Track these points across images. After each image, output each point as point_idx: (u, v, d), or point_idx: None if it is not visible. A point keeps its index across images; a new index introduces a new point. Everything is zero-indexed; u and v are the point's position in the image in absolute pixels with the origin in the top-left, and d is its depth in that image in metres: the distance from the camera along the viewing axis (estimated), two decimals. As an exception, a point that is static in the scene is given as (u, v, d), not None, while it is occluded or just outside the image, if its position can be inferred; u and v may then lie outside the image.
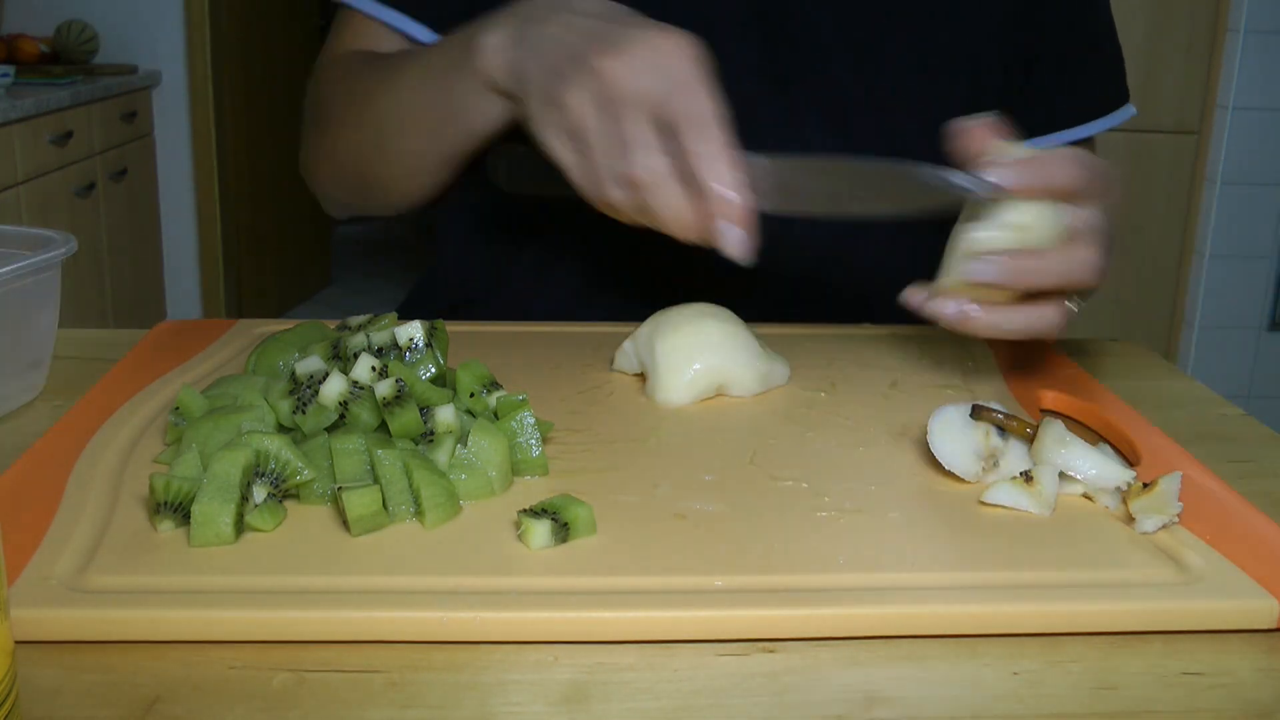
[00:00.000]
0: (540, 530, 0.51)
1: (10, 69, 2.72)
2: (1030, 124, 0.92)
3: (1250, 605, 0.48)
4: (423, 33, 0.86)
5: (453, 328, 0.80)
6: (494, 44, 0.70)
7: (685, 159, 0.62)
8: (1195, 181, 3.00)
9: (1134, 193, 3.01)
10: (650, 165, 0.62)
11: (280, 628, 0.45)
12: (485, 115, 0.73)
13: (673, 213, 0.63)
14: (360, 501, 0.51)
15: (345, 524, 0.52)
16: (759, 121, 0.86)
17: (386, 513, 0.53)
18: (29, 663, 0.44)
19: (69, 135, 2.75)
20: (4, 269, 0.66)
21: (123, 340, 0.82)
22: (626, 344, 0.74)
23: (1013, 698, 0.44)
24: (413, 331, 0.63)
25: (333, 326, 0.71)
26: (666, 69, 0.62)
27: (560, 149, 0.66)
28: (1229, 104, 2.89)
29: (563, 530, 0.51)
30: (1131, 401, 0.72)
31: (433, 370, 0.62)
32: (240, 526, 0.51)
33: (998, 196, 0.64)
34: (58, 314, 0.73)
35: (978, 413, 0.60)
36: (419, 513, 0.53)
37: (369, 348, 0.62)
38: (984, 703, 0.43)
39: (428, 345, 0.63)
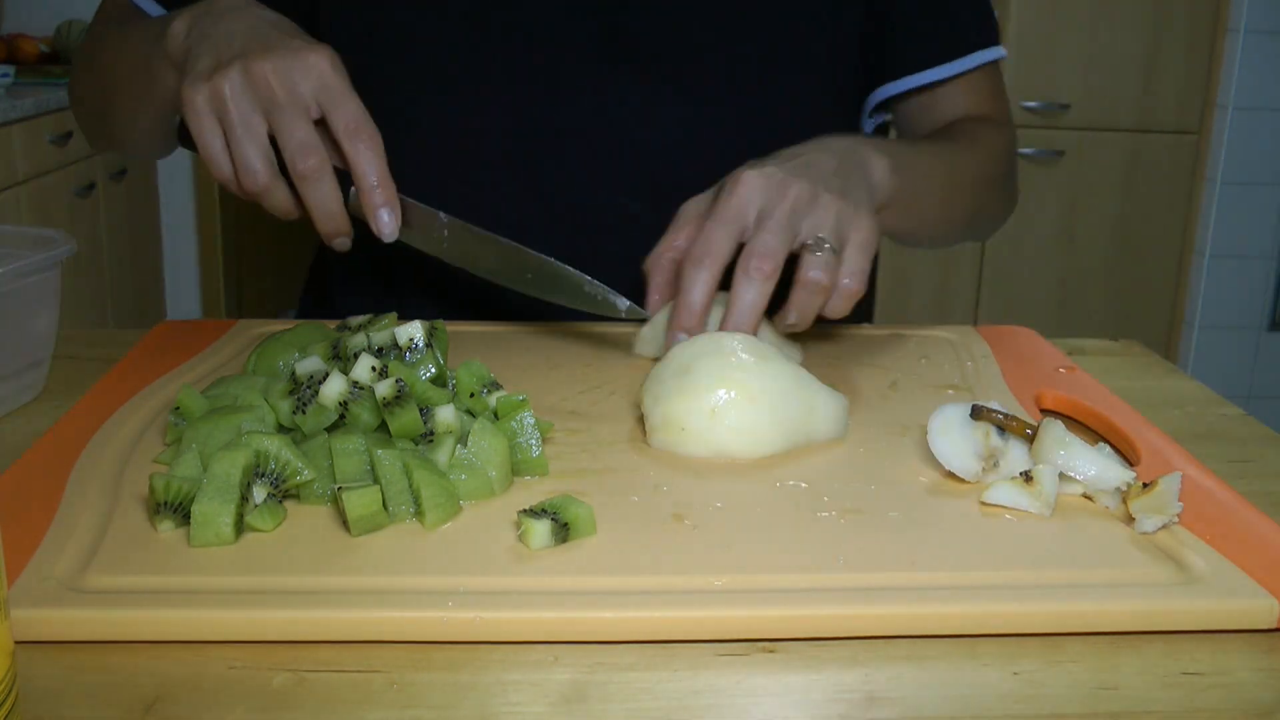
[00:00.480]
0: (540, 530, 0.51)
1: (10, 69, 2.72)
2: (886, 66, 0.96)
3: (1250, 605, 0.48)
4: (150, 7, 0.92)
5: (453, 328, 0.80)
6: (176, 29, 0.77)
7: (343, 157, 0.72)
8: (1195, 181, 3.00)
9: (1134, 193, 3.02)
10: (311, 163, 0.71)
11: (280, 628, 0.45)
12: (170, 89, 0.79)
13: (324, 204, 0.72)
14: (360, 501, 0.51)
15: (345, 524, 0.52)
16: (610, 104, 0.87)
17: (386, 513, 0.53)
18: (29, 663, 0.44)
19: (69, 135, 2.74)
20: (4, 269, 0.66)
21: (123, 340, 0.82)
22: (645, 329, 0.75)
23: (1013, 698, 0.44)
24: (413, 331, 0.63)
25: (333, 326, 0.71)
26: (316, 76, 0.72)
27: (205, 132, 0.72)
28: (1229, 104, 2.89)
29: (563, 530, 0.51)
30: (1131, 401, 0.72)
31: (433, 370, 0.62)
32: (240, 526, 0.51)
33: (634, 315, 0.75)
34: (58, 314, 0.73)
35: (978, 413, 0.60)
36: (419, 513, 0.53)
37: (369, 348, 0.62)
38: (984, 703, 0.43)
39: (428, 345, 0.63)
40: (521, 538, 0.52)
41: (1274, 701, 0.44)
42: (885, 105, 0.99)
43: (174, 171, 3.43)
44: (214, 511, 0.50)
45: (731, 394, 0.61)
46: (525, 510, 0.52)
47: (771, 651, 0.46)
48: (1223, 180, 2.93)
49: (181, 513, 0.52)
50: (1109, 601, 0.48)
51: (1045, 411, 0.72)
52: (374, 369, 0.58)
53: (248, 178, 0.72)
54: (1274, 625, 0.48)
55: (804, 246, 0.71)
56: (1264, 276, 2.98)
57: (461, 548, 0.51)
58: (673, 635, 0.46)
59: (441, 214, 0.76)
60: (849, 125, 0.99)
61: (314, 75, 0.72)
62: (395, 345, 0.62)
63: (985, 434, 0.59)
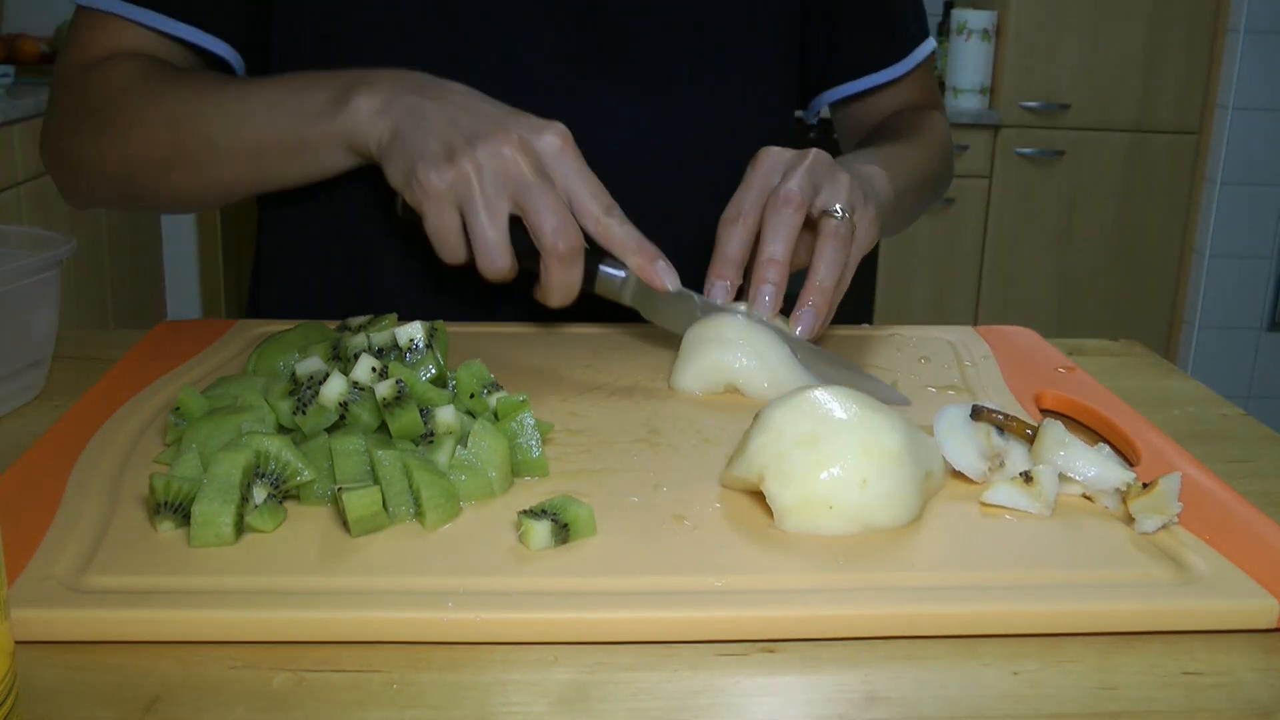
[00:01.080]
0: (540, 531, 0.51)
1: (10, 69, 2.72)
2: (835, 70, 1.02)
3: (1250, 605, 0.48)
4: (210, 42, 0.85)
5: (453, 328, 0.80)
6: (368, 108, 0.74)
7: (591, 233, 0.73)
8: (1195, 181, 3.01)
9: (1134, 193, 3.02)
10: (572, 244, 0.71)
11: (280, 628, 0.45)
12: (334, 164, 0.78)
13: (571, 284, 0.73)
14: (360, 502, 0.51)
15: (345, 524, 0.52)
16: (579, 107, 0.87)
17: (386, 513, 0.53)
18: (29, 663, 0.44)
19: (69, 135, 2.74)
20: (4, 269, 0.66)
21: (123, 340, 0.82)
22: (684, 365, 0.73)
23: (1013, 698, 0.44)
24: (413, 332, 0.63)
25: (333, 327, 0.71)
26: (558, 154, 0.72)
27: (444, 218, 0.71)
28: (1229, 104, 2.89)
29: (563, 531, 0.51)
30: (1131, 401, 0.72)
31: (433, 371, 0.62)
32: (240, 527, 0.51)
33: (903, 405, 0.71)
34: (58, 314, 0.73)
35: (977, 413, 0.60)
36: (419, 513, 0.53)
37: (369, 348, 0.62)
38: (984, 703, 0.43)
39: (428, 346, 0.63)
40: (521, 538, 0.52)
41: (1274, 701, 0.44)
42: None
43: (174, 171, 3.43)
44: (214, 512, 0.50)
45: (876, 459, 0.54)
46: (525, 511, 0.52)
47: (771, 651, 0.46)
48: (1223, 180, 2.93)
49: (181, 513, 0.52)
50: (1109, 601, 0.48)
51: (1045, 411, 0.72)
52: (374, 370, 0.58)
53: (489, 264, 0.72)
54: (1274, 625, 0.48)
55: (822, 214, 0.75)
56: (1264, 276, 2.98)
57: (461, 548, 0.51)
58: (673, 635, 0.46)
59: (697, 295, 0.75)
60: (790, 125, 1.03)
61: (557, 153, 0.72)
62: (395, 346, 0.62)
63: (986, 434, 0.59)
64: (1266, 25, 2.82)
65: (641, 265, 0.73)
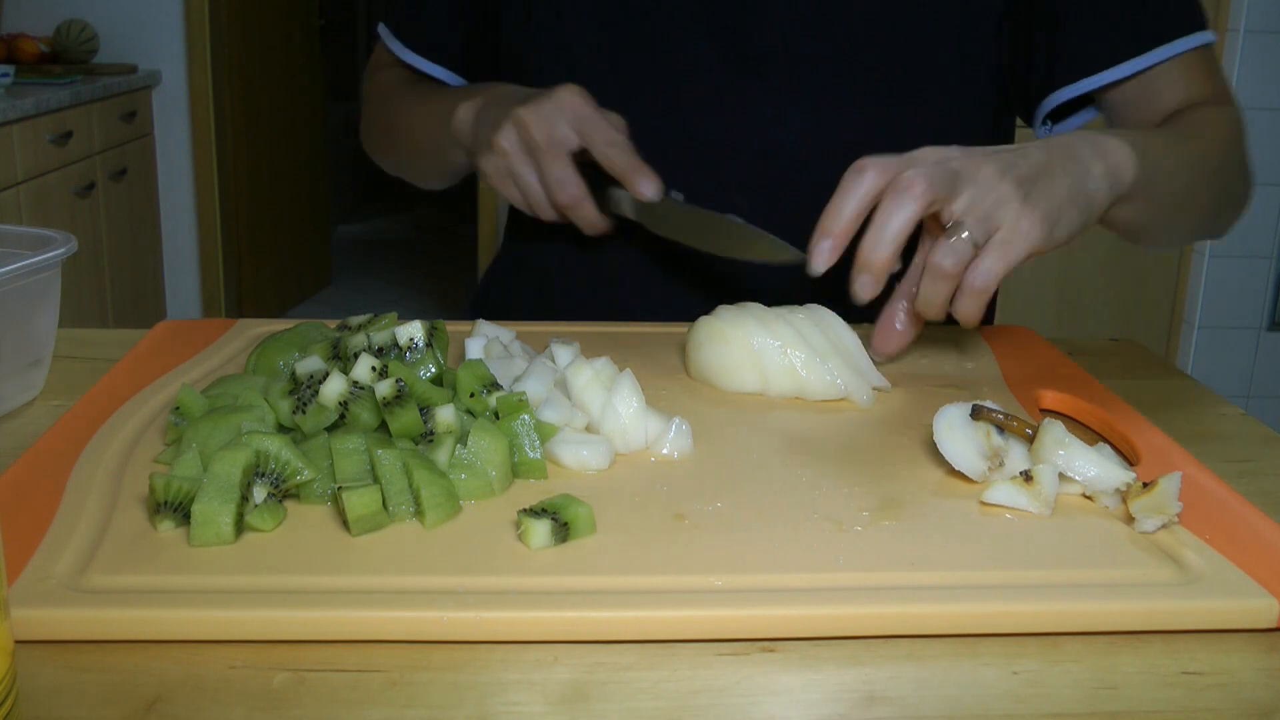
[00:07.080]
0: (540, 530, 0.51)
1: (10, 69, 2.73)
2: (1056, 73, 0.90)
3: (1250, 605, 0.48)
4: (434, 69, 1.02)
5: (453, 328, 0.80)
6: (462, 116, 0.91)
7: (601, 166, 0.82)
8: (1195, 181, 2.99)
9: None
10: (570, 194, 0.83)
11: (280, 628, 0.45)
12: (457, 160, 0.96)
13: (588, 224, 0.86)
14: (360, 501, 0.51)
15: (345, 524, 0.52)
16: (731, 110, 0.91)
17: (386, 513, 0.53)
18: (29, 663, 0.44)
19: (69, 135, 2.75)
20: (4, 269, 0.66)
21: (123, 340, 0.82)
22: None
23: (1013, 698, 0.44)
24: (413, 331, 0.63)
25: (333, 326, 0.71)
26: (570, 111, 0.82)
27: (504, 189, 0.86)
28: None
29: (563, 530, 0.51)
30: (1131, 401, 0.72)
31: (433, 370, 0.62)
32: (240, 526, 0.51)
33: (812, 270, 0.69)
34: (58, 314, 0.73)
35: (977, 413, 0.60)
36: (419, 512, 0.53)
37: (369, 348, 0.62)
38: (984, 703, 0.43)
39: (428, 345, 0.63)
40: (521, 537, 0.52)
41: (1274, 701, 0.44)
42: (1070, 108, 0.94)
43: (174, 171, 3.43)
44: (214, 511, 0.50)
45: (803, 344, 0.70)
46: (525, 510, 0.52)
47: (771, 651, 0.46)
48: (1223, 180, 2.92)
49: (181, 512, 0.52)
50: (1109, 601, 0.48)
51: (1045, 411, 0.72)
52: (374, 369, 0.58)
53: (542, 213, 0.85)
54: (1274, 625, 0.48)
55: (943, 229, 0.67)
56: (1264, 276, 2.98)
57: (461, 548, 0.51)
58: (673, 635, 0.46)
59: (673, 194, 0.84)
60: (985, 134, 0.94)
61: (568, 110, 0.82)
62: (395, 345, 0.62)
63: (986, 434, 0.59)
64: (1266, 25, 2.81)
65: (626, 180, 0.81)
